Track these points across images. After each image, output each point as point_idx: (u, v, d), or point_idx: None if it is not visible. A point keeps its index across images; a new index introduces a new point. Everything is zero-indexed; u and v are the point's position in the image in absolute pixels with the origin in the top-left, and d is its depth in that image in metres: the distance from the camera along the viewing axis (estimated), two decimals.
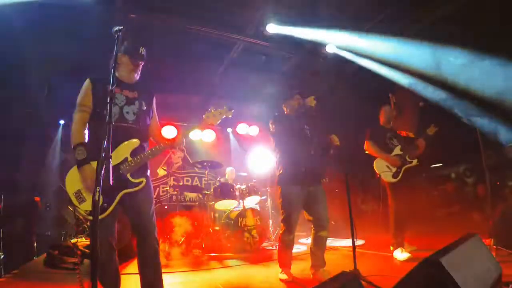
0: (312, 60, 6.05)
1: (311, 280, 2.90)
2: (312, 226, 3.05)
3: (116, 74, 1.99)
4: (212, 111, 2.21)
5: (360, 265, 2.56)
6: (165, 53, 5.21)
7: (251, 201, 5.25)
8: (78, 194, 2.01)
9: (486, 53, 4.52)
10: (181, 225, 4.64)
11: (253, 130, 7.73)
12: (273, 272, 3.26)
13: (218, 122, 2.25)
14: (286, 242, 3.02)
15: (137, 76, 2.26)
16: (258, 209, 5.19)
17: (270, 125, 3.18)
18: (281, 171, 3.10)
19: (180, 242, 4.48)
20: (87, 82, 2.13)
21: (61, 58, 4.57)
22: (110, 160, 1.54)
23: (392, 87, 5.50)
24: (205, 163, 5.40)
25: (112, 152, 1.97)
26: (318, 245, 2.99)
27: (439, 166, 6.49)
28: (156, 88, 2.42)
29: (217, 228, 4.99)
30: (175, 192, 5.52)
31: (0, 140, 4.82)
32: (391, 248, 3.66)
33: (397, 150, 3.82)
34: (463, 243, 1.87)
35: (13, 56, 4.47)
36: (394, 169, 3.73)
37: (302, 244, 4.96)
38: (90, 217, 1.93)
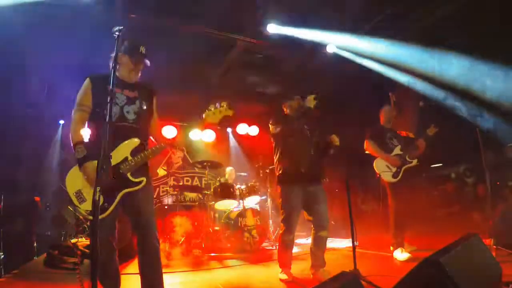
0: (312, 60, 6.04)
1: (311, 280, 2.90)
2: (312, 226, 3.05)
3: (117, 73, 1.98)
4: (212, 109, 2.19)
5: (360, 265, 2.56)
6: (165, 53, 5.21)
7: (251, 201, 5.25)
8: (78, 194, 2.01)
9: (486, 54, 4.53)
10: (181, 225, 4.64)
11: (253, 130, 7.73)
12: (273, 272, 3.26)
13: (218, 121, 2.22)
14: (286, 242, 3.02)
15: (137, 76, 2.26)
16: (258, 209, 5.19)
17: (270, 125, 3.18)
18: (280, 171, 3.10)
19: (180, 242, 4.49)
20: (87, 81, 2.13)
21: (61, 58, 4.57)
22: (110, 159, 1.54)
23: (392, 87, 5.50)
24: (205, 163, 5.40)
25: (112, 151, 1.98)
26: (318, 245, 2.99)
27: (439, 166, 6.49)
28: (156, 88, 2.42)
29: (217, 228, 4.99)
30: (175, 192, 5.52)
31: (0, 140, 4.82)
32: (391, 248, 3.66)
33: (397, 150, 3.82)
34: (463, 243, 1.87)
35: (13, 56, 4.47)
36: (394, 169, 3.73)
37: (300, 245, 4.96)
38: (91, 217, 1.93)
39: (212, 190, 5.14)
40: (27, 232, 4.46)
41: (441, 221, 5.62)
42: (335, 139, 3.04)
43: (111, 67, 1.71)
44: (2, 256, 3.39)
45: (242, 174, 6.39)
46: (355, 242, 2.55)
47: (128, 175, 2.07)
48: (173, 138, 2.22)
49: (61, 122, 6.53)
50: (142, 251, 2.12)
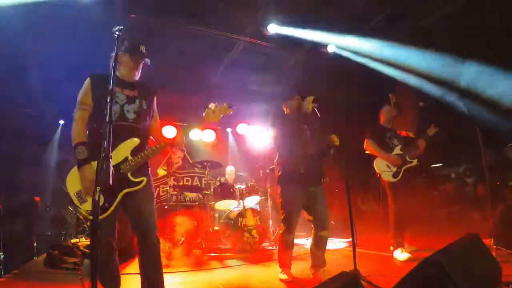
0: (312, 60, 6.05)
1: (311, 280, 2.90)
2: (312, 226, 3.05)
3: (117, 73, 1.98)
4: (212, 108, 2.19)
5: (360, 265, 2.55)
6: (165, 53, 5.21)
7: (251, 201, 5.25)
8: (79, 194, 2.01)
9: (486, 55, 4.53)
10: (181, 225, 4.64)
11: (253, 130, 7.73)
12: (273, 272, 3.26)
13: (218, 120, 2.21)
14: (286, 242, 3.02)
15: (137, 75, 2.26)
16: (258, 209, 5.19)
17: (270, 126, 3.18)
18: (280, 171, 3.10)
19: (180, 242, 4.48)
20: (87, 80, 2.13)
21: (61, 58, 4.57)
22: (110, 160, 1.54)
23: (392, 87, 5.50)
24: (205, 163, 5.40)
25: (112, 151, 1.98)
26: (319, 245, 2.99)
27: (439, 166, 6.50)
28: (156, 87, 2.42)
29: (217, 228, 4.99)
30: (175, 192, 5.52)
31: (0, 140, 4.82)
32: (391, 248, 3.65)
33: (397, 150, 3.82)
34: (463, 243, 1.87)
35: (13, 56, 4.47)
36: (394, 169, 3.73)
37: (300, 245, 4.96)
38: (91, 217, 1.93)
39: (212, 190, 5.14)
40: (27, 232, 4.47)
41: (441, 221, 5.63)
42: (335, 139, 3.04)
43: (111, 66, 1.71)
44: (2, 256, 3.39)
45: (242, 174, 6.38)
46: (354, 241, 2.55)
47: (129, 175, 2.06)
48: (174, 137, 2.20)
49: (61, 122, 6.53)
50: (142, 251, 2.12)
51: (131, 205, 2.09)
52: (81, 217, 4.68)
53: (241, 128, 7.66)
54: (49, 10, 3.99)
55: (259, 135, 7.37)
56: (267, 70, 6.26)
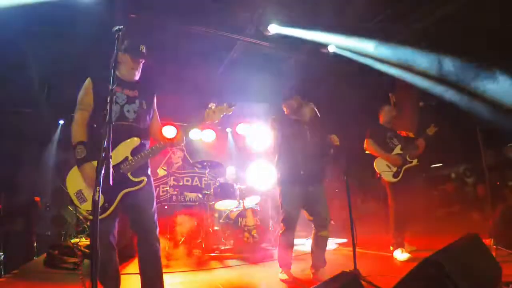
0: (312, 60, 6.04)
1: (311, 280, 2.90)
2: (313, 226, 3.05)
3: (117, 73, 1.99)
4: (213, 108, 2.19)
5: (360, 265, 2.56)
6: (165, 53, 5.21)
7: (251, 201, 5.25)
8: (79, 194, 2.01)
9: (486, 55, 4.52)
10: (181, 225, 4.64)
11: (253, 130, 7.72)
12: (273, 272, 3.26)
13: (218, 120, 2.21)
14: (286, 242, 3.02)
15: (137, 75, 2.26)
16: (258, 209, 5.18)
17: (270, 126, 3.18)
18: (280, 171, 3.10)
19: (180, 242, 4.48)
20: (87, 81, 2.13)
21: (61, 58, 4.57)
22: (110, 159, 1.54)
23: (392, 87, 5.50)
24: (205, 163, 5.39)
25: (112, 151, 1.97)
26: (319, 245, 2.99)
27: (439, 166, 6.49)
28: (156, 87, 2.42)
29: (217, 228, 4.98)
30: (175, 192, 5.52)
31: (0, 140, 4.82)
32: (391, 248, 3.65)
33: (397, 150, 3.82)
34: (463, 243, 1.87)
35: (13, 56, 4.47)
36: (394, 169, 3.73)
37: (300, 245, 4.96)
38: (91, 217, 1.93)
39: (212, 190, 5.13)
40: (27, 232, 4.46)
41: (441, 221, 5.62)
42: (335, 139, 3.04)
43: (111, 66, 1.71)
44: (2, 256, 3.39)
45: (242, 174, 6.37)
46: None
47: (129, 174, 2.07)
48: (174, 137, 2.20)
49: (61, 122, 6.53)
50: (142, 251, 2.12)
51: (131, 205, 2.09)
52: (81, 217, 4.68)
53: (241, 128, 7.65)
54: (49, 10, 3.99)
55: (259, 135, 7.37)
56: (267, 70, 6.26)
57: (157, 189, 6.69)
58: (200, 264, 3.98)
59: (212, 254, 4.44)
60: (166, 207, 5.45)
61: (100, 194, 1.46)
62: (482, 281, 1.76)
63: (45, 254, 3.94)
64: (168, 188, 6.39)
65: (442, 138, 3.87)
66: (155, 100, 2.37)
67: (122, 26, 1.78)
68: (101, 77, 2.02)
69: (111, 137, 1.56)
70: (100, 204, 1.50)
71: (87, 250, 3.88)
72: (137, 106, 2.19)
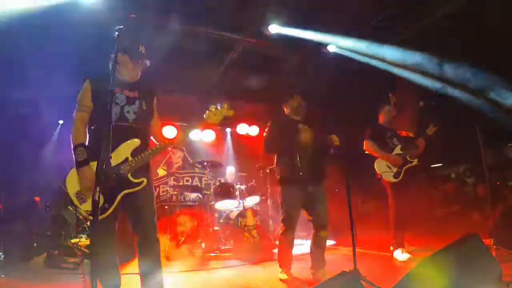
0: (313, 60, 6.04)
1: (311, 280, 2.90)
2: (312, 226, 3.05)
3: (117, 73, 1.98)
4: (213, 109, 2.18)
5: (360, 265, 2.55)
6: (165, 53, 5.21)
7: (251, 201, 5.25)
8: (79, 194, 2.01)
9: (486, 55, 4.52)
10: (181, 225, 4.64)
11: (253, 130, 7.73)
12: (273, 272, 3.26)
13: (219, 121, 2.21)
14: (286, 242, 3.02)
15: (137, 76, 2.26)
16: (258, 209, 5.19)
17: (270, 126, 3.18)
18: (280, 172, 3.10)
19: (180, 242, 4.48)
20: (87, 82, 2.13)
21: (61, 58, 4.57)
22: (110, 160, 1.54)
23: (392, 87, 5.49)
24: (205, 163, 5.39)
25: (112, 152, 1.98)
26: (318, 245, 3.00)
27: (439, 166, 6.49)
28: (156, 88, 2.42)
29: (217, 228, 4.98)
30: (175, 192, 5.52)
31: (0, 140, 4.82)
32: (391, 248, 3.65)
33: (397, 150, 3.82)
34: (463, 243, 1.87)
35: (13, 56, 4.47)
36: (395, 169, 3.72)
37: (300, 245, 4.96)
38: (91, 217, 1.93)
39: (212, 190, 5.13)
40: (27, 232, 4.46)
41: (441, 221, 5.62)
42: (335, 139, 3.04)
43: (111, 67, 1.71)
44: (2, 256, 3.39)
45: (242, 174, 6.38)
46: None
47: (129, 175, 2.06)
48: (174, 138, 2.19)
49: (60, 122, 6.53)
50: (142, 251, 2.12)
51: (131, 205, 2.09)
52: (81, 217, 4.68)
53: (241, 128, 7.65)
54: (49, 10, 3.99)
55: (259, 135, 7.37)
56: (267, 70, 6.26)
57: (157, 189, 6.69)
58: (200, 264, 3.99)
59: (212, 254, 4.44)
60: (166, 207, 5.45)
61: (100, 194, 1.46)
62: (482, 281, 1.76)
63: (45, 254, 3.95)
64: (168, 188, 6.39)
65: (442, 138, 3.87)
66: (155, 101, 2.37)
67: (122, 26, 1.78)
68: (100, 78, 2.02)
69: (111, 138, 1.56)
70: (100, 205, 1.50)
71: (87, 250, 3.88)
72: (137, 107, 2.18)
